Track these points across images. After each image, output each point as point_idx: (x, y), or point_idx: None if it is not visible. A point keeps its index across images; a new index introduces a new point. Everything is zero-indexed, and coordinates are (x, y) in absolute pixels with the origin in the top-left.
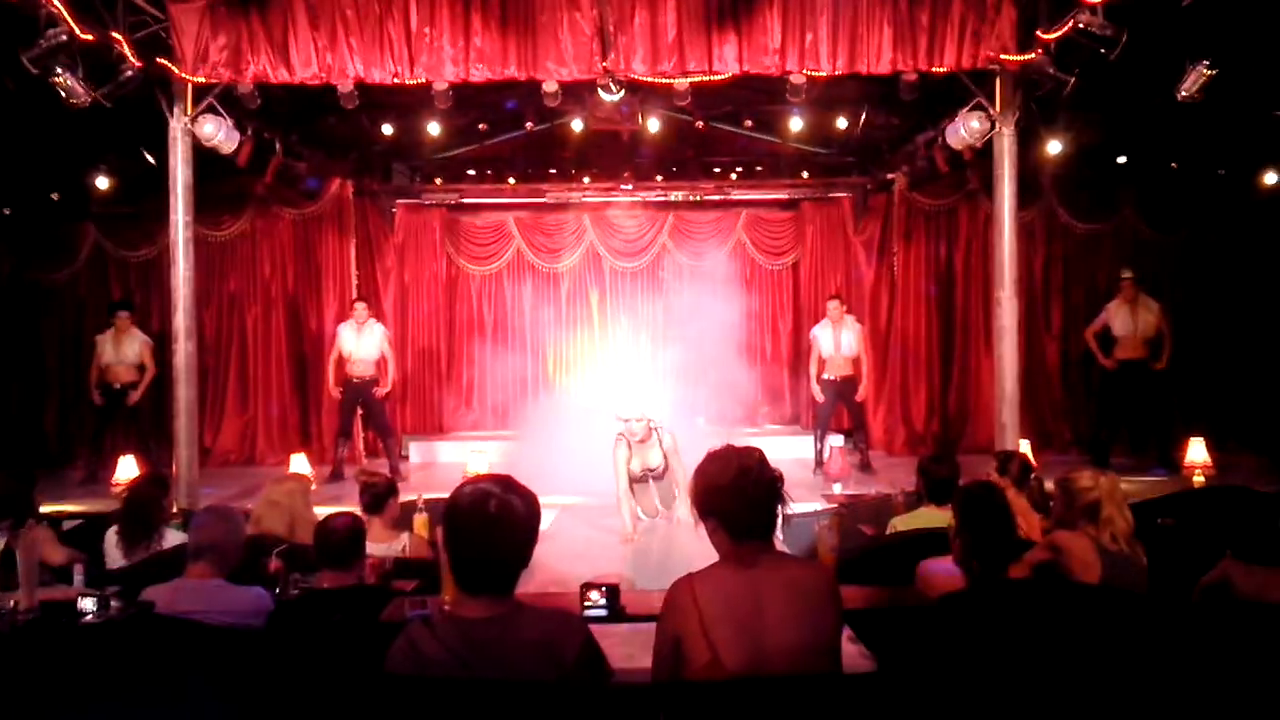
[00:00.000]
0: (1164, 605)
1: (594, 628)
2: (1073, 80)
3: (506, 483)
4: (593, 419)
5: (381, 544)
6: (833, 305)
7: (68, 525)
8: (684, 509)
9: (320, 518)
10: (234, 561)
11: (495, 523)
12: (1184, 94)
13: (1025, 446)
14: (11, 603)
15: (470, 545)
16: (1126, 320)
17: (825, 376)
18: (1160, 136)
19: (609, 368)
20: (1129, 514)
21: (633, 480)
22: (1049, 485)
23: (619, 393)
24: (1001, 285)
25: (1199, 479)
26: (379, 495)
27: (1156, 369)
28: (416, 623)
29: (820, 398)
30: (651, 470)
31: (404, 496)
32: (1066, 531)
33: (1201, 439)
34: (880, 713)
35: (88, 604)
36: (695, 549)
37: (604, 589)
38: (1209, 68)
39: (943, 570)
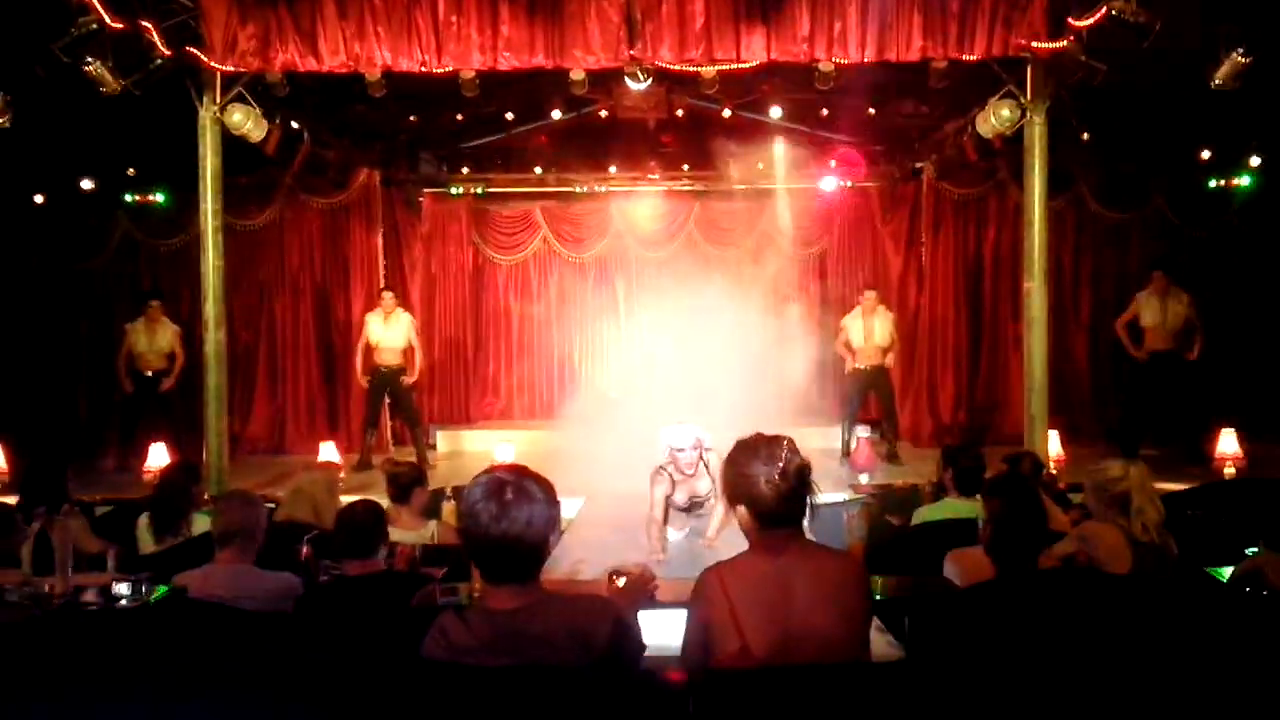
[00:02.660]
0: (1195, 596)
1: None
2: (1104, 68)
3: (521, 471)
4: (619, 408)
5: (410, 532)
6: (869, 296)
7: (99, 512)
8: (714, 524)
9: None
10: (259, 546)
11: (511, 512)
12: (1218, 82)
13: (1054, 437)
14: (47, 587)
15: (488, 536)
16: (1156, 311)
17: (856, 366)
18: (1193, 125)
19: (637, 359)
20: (1159, 504)
21: (678, 510)
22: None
23: (669, 421)
24: (1031, 275)
25: (1229, 471)
26: (404, 485)
27: (1187, 360)
28: (449, 613)
29: (850, 383)
30: (699, 498)
31: (433, 485)
32: (1096, 522)
33: (1232, 431)
34: (909, 702)
35: (122, 588)
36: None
37: (631, 575)
38: (1243, 55)
39: (971, 560)
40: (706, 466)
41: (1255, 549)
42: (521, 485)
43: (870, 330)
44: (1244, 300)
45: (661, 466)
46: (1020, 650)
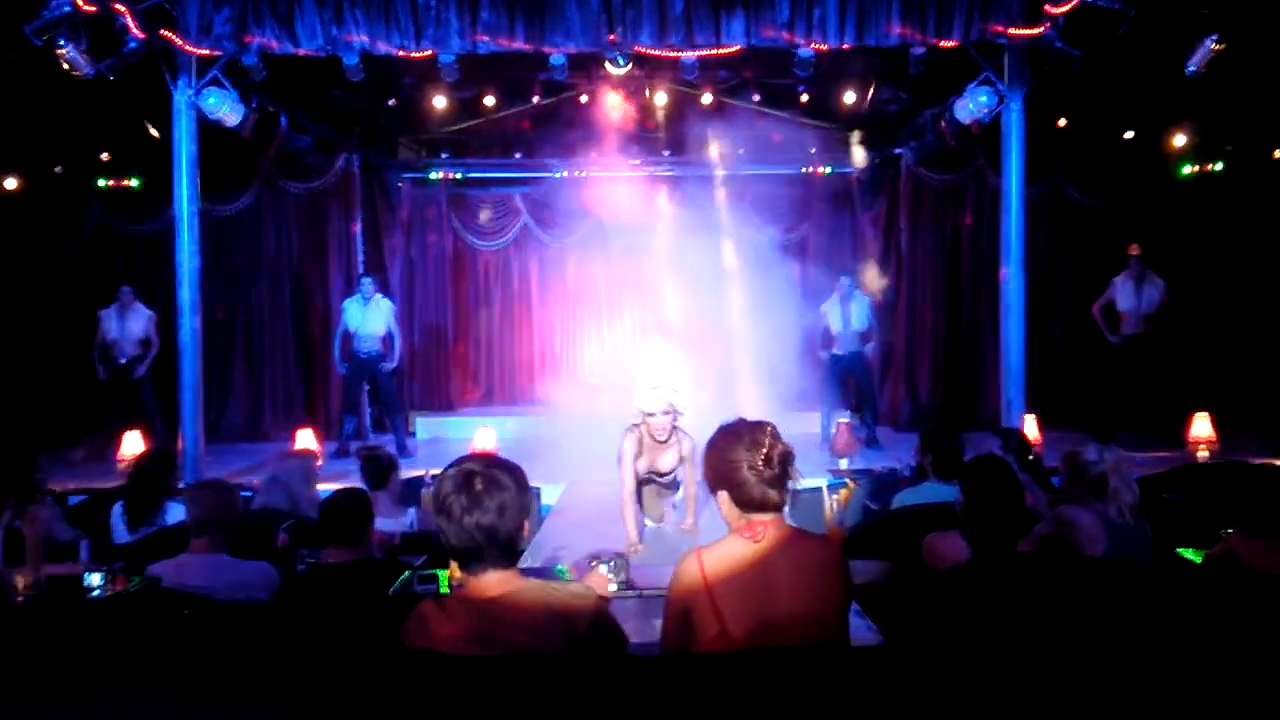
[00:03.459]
0: (1171, 578)
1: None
2: (1081, 55)
3: (490, 461)
4: (600, 394)
5: (389, 520)
6: (844, 281)
7: (73, 501)
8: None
9: (323, 494)
10: (235, 535)
11: (484, 502)
12: (1193, 69)
13: (1031, 422)
14: (18, 578)
15: (462, 527)
16: (1132, 296)
17: (834, 352)
18: (1168, 112)
19: (618, 343)
20: (1135, 487)
21: (638, 482)
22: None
23: (642, 377)
24: (1008, 261)
25: (1203, 454)
26: (380, 470)
27: (1162, 344)
28: (428, 601)
29: (830, 369)
30: (660, 475)
31: (412, 472)
32: (1073, 505)
33: (1206, 414)
34: (888, 686)
35: (94, 579)
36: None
37: (612, 562)
38: (1217, 42)
39: (949, 544)
40: (679, 444)
41: (1229, 531)
42: (491, 475)
43: (849, 316)
44: (1218, 286)
45: (635, 425)
46: (998, 633)
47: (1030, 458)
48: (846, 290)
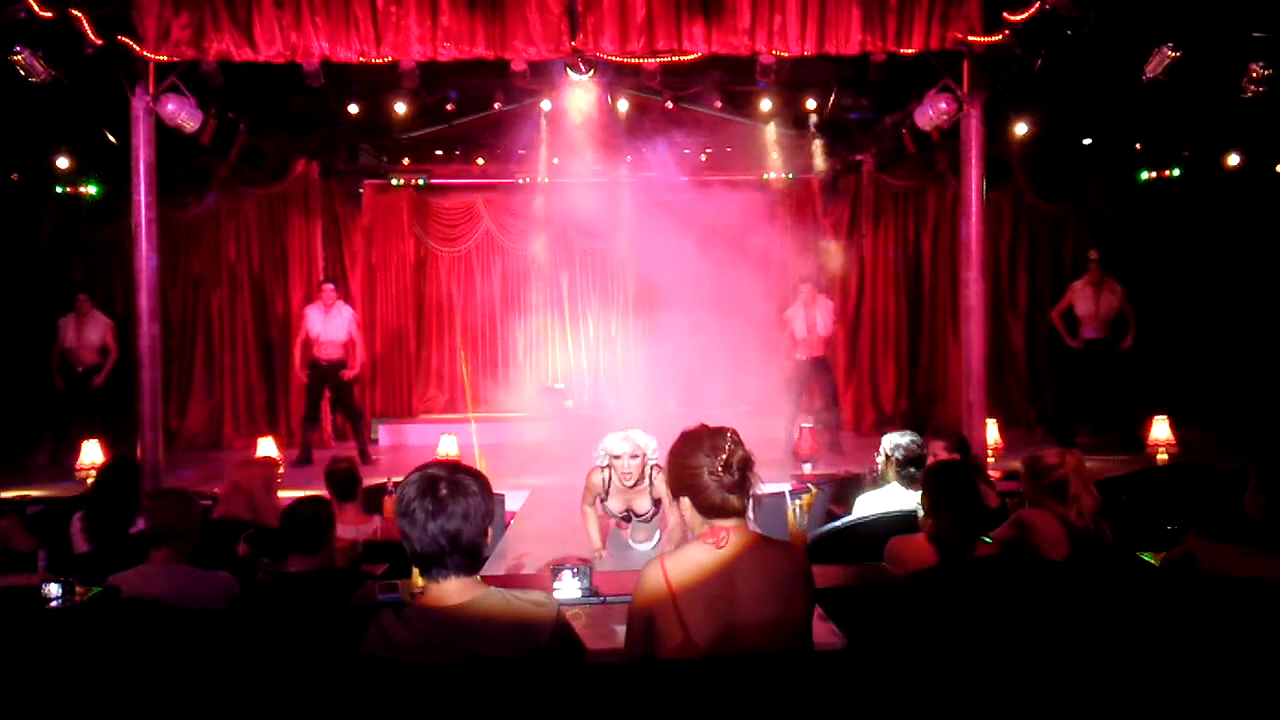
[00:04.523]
0: (1130, 581)
1: (566, 608)
2: (1039, 61)
3: (454, 466)
4: (564, 400)
5: (352, 527)
6: (805, 288)
7: (31, 510)
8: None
9: (284, 502)
10: (195, 544)
11: (448, 507)
12: (1149, 75)
13: (992, 426)
14: None
15: (426, 533)
16: (1090, 301)
17: (798, 357)
18: (1126, 118)
19: (582, 350)
20: (1095, 491)
21: (613, 517)
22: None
23: (614, 418)
24: (968, 265)
25: (1162, 457)
26: (344, 484)
27: (1121, 349)
28: (388, 611)
29: (793, 374)
30: (638, 515)
31: (375, 479)
32: (1033, 509)
33: (1165, 418)
34: (850, 689)
35: (52, 589)
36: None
37: (575, 569)
38: (1173, 49)
39: (912, 548)
40: (651, 483)
41: (1187, 533)
42: (455, 480)
43: (813, 321)
44: (1175, 291)
45: (601, 466)
46: (960, 636)
47: (972, 461)
48: (809, 295)
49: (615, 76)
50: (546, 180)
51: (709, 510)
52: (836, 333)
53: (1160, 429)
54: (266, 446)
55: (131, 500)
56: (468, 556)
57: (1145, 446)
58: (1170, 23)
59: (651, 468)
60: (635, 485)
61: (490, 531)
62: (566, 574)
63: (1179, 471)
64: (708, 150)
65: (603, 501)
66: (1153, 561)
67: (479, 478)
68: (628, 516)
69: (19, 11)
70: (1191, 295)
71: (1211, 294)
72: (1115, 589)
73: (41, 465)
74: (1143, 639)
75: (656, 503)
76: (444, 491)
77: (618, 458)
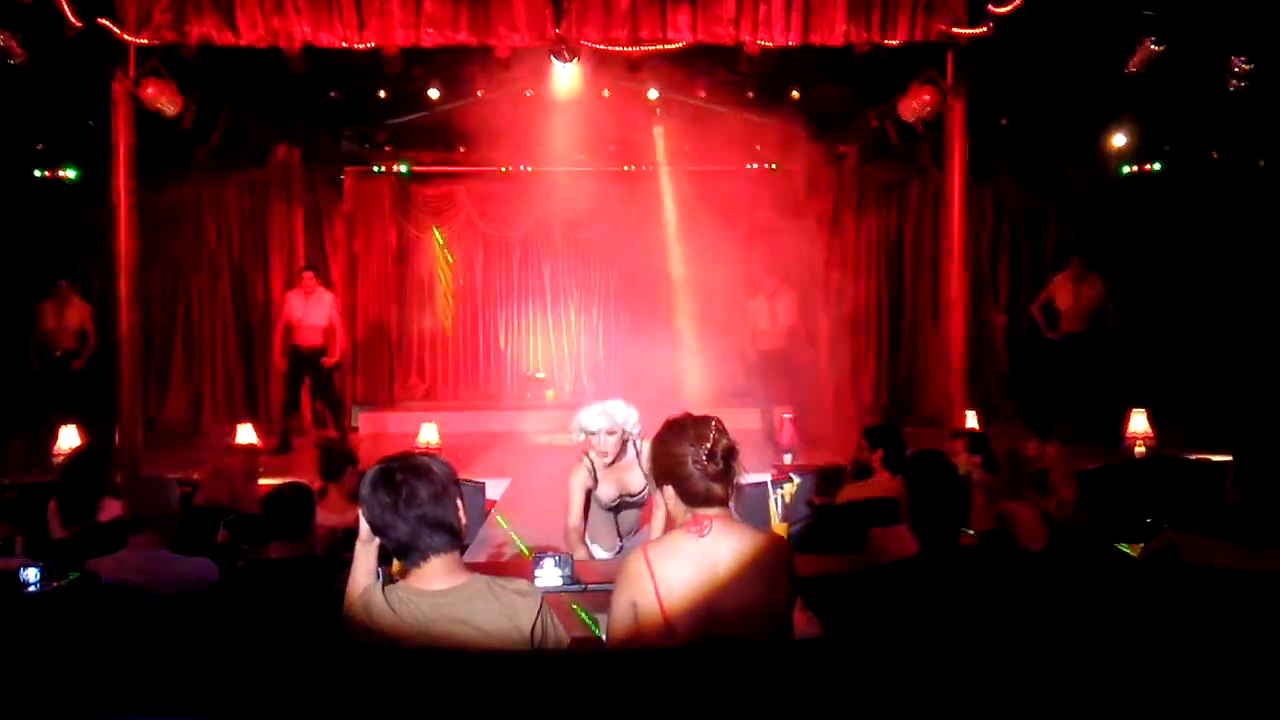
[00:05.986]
0: (1108, 572)
1: (548, 595)
2: (1023, 54)
3: (406, 454)
4: (545, 389)
5: (335, 514)
6: (769, 281)
7: (8, 495)
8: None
9: (264, 488)
10: (174, 530)
11: (403, 493)
12: (1132, 69)
13: (972, 418)
14: None
15: (387, 523)
16: (1070, 294)
17: (760, 348)
18: (1109, 112)
19: (563, 340)
20: (1074, 482)
21: (605, 509)
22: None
23: (586, 402)
24: (950, 258)
25: (1140, 450)
26: (337, 462)
27: (1099, 342)
28: (372, 596)
29: (753, 365)
30: (631, 496)
31: None
32: (1014, 500)
33: (1143, 411)
34: (831, 678)
35: (30, 574)
36: None
37: (556, 557)
38: (1157, 43)
39: (893, 538)
40: (638, 456)
41: (1166, 525)
42: (409, 464)
43: (774, 313)
44: (1154, 285)
45: (582, 453)
46: (940, 626)
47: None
48: (771, 287)
49: (599, 64)
50: (529, 169)
51: (693, 499)
52: (799, 324)
53: (1138, 422)
54: (246, 433)
55: (98, 486)
56: (444, 534)
57: (1124, 439)
58: (1154, 17)
59: (636, 438)
60: (617, 461)
61: (463, 507)
62: (548, 562)
63: (1157, 464)
64: (691, 141)
65: (589, 491)
66: (1131, 553)
67: (435, 458)
68: (622, 503)
69: None
70: (1168, 288)
71: (1188, 287)
72: (1094, 579)
73: (19, 450)
74: (1121, 629)
75: (647, 477)
76: (399, 478)
77: (593, 433)
